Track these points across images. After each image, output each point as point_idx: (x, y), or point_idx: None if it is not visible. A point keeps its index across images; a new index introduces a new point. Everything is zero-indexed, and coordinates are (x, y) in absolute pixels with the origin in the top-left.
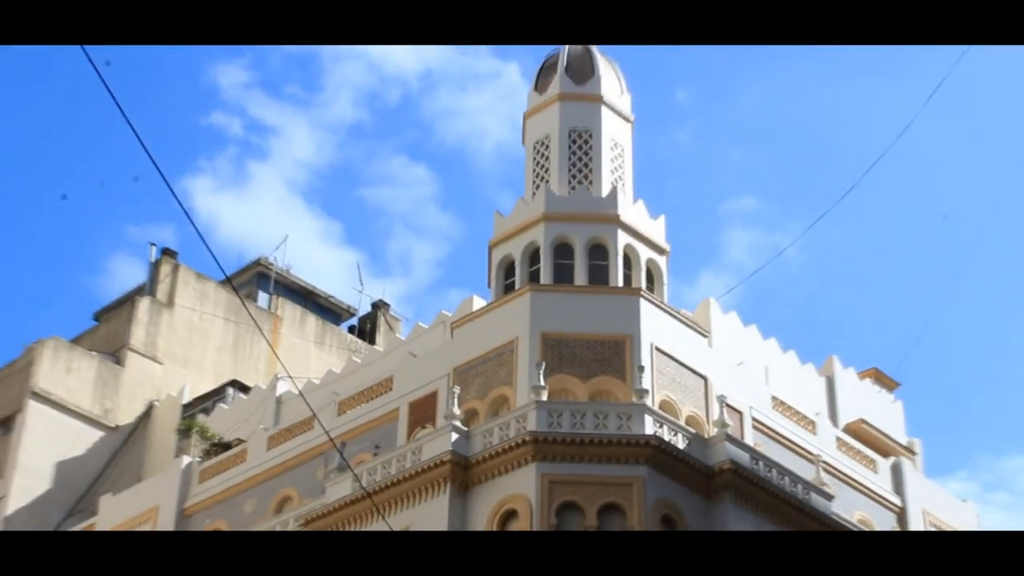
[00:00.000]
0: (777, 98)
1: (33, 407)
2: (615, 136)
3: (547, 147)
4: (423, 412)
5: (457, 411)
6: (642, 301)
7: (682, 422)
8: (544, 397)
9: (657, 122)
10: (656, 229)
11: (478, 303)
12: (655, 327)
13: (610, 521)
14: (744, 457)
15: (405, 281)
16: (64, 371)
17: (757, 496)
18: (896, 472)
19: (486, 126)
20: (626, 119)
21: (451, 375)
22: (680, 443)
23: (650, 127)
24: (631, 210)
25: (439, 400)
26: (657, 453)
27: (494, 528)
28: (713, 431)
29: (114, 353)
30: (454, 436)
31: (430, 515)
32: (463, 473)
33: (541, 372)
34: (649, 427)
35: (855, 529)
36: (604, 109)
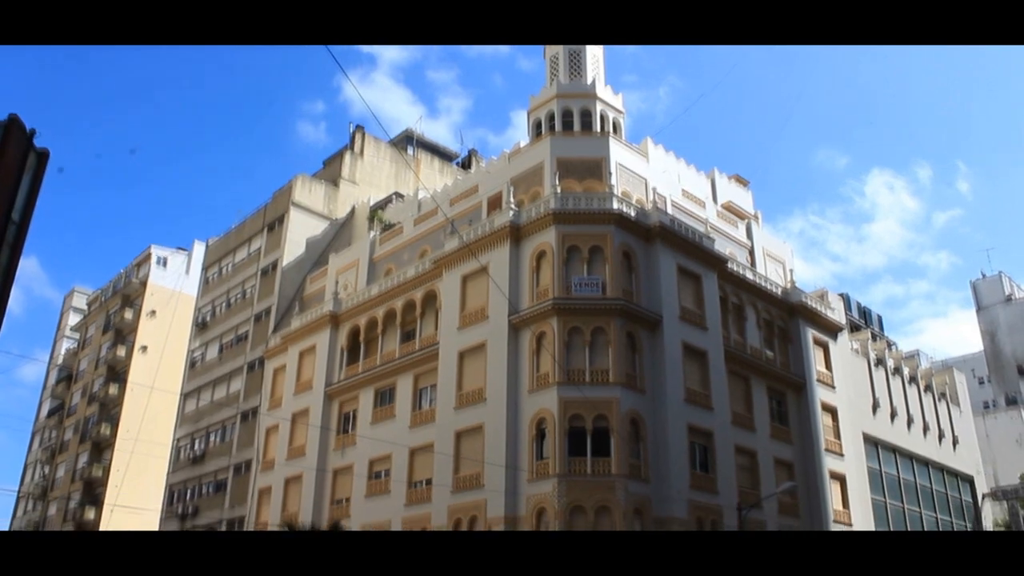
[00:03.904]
0: None
1: (293, 211)
2: (594, 50)
3: (557, 57)
4: (495, 203)
5: (512, 200)
6: (611, 139)
7: (633, 202)
8: (559, 191)
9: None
10: (618, 100)
11: (524, 143)
12: (618, 153)
13: (596, 256)
14: (667, 220)
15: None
16: (308, 191)
17: (674, 241)
18: (748, 228)
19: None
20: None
21: (509, 182)
22: (632, 213)
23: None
24: (604, 91)
25: (503, 195)
26: (619, 218)
27: (532, 262)
28: (650, 207)
29: (333, 180)
30: (511, 213)
31: (499, 257)
32: (516, 232)
33: (556, 178)
34: (615, 205)
35: (726, 258)
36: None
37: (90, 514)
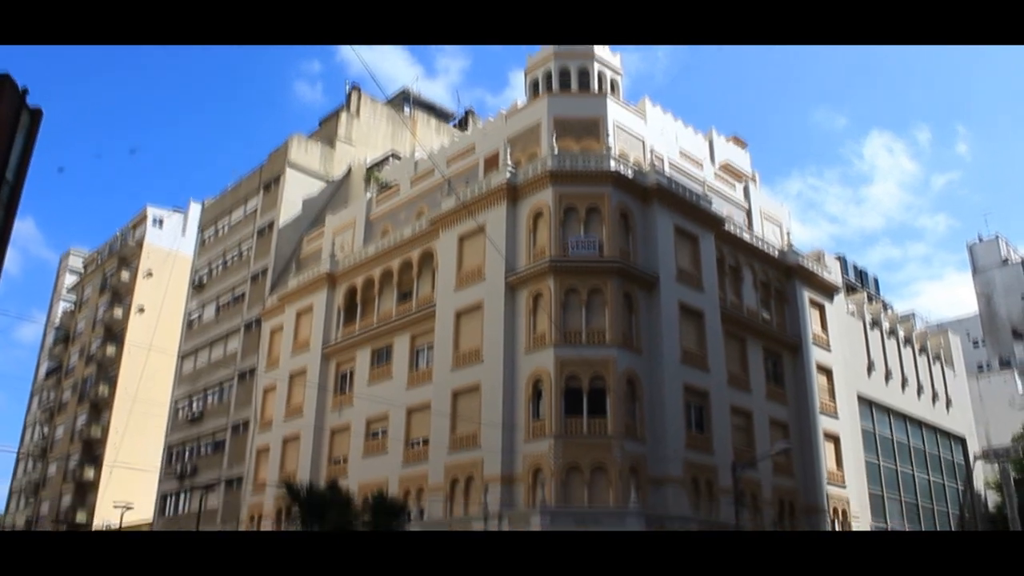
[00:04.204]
0: None
1: (289, 171)
2: None
3: None
4: (492, 162)
5: (509, 160)
6: (608, 99)
7: (630, 162)
8: (556, 151)
9: None
10: (615, 60)
11: (521, 103)
12: (615, 113)
13: (593, 216)
14: (665, 180)
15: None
16: (304, 151)
17: (671, 201)
18: (745, 189)
19: None
20: None
21: (506, 142)
22: (629, 173)
23: None
24: (601, 50)
25: (500, 155)
26: (617, 178)
27: (529, 222)
28: (647, 167)
29: (329, 140)
30: (508, 172)
31: (496, 217)
32: (513, 192)
33: (553, 138)
34: (612, 165)
35: (729, 223)
36: None
37: (89, 473)
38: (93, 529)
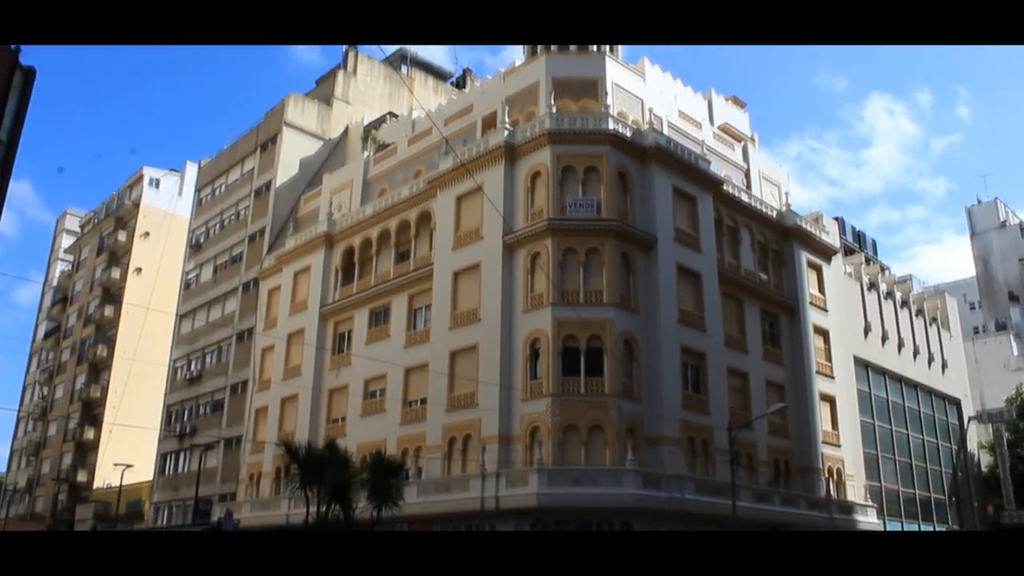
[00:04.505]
0: None
1: (286, 131)
2: None
3: None
4: (489, 122)
5: (507, 120)
6: (607, 59)
7: (629, 123)
8: (554, 110)
9: None
10: None
11: (519, 62)
12: (614, 72)
13: (591, 176)
14: (663, 140)
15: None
16: (301, 111)
17: (669, 162)
18: (744, 150)
19: None
20: None
21: (504, 101)
22: (628, 134)
23: None
24: None
25: (498, 115)
26: (615, 139)
27: (527, 183)
28: (646, 127)
29: (326, 100)
30: (506, 132)
31: (494, 177)
32: (511, 152)
33: (552, 98)
34: (611, 125)
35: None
36: None
37: (89, 433)
38: (94, 490)
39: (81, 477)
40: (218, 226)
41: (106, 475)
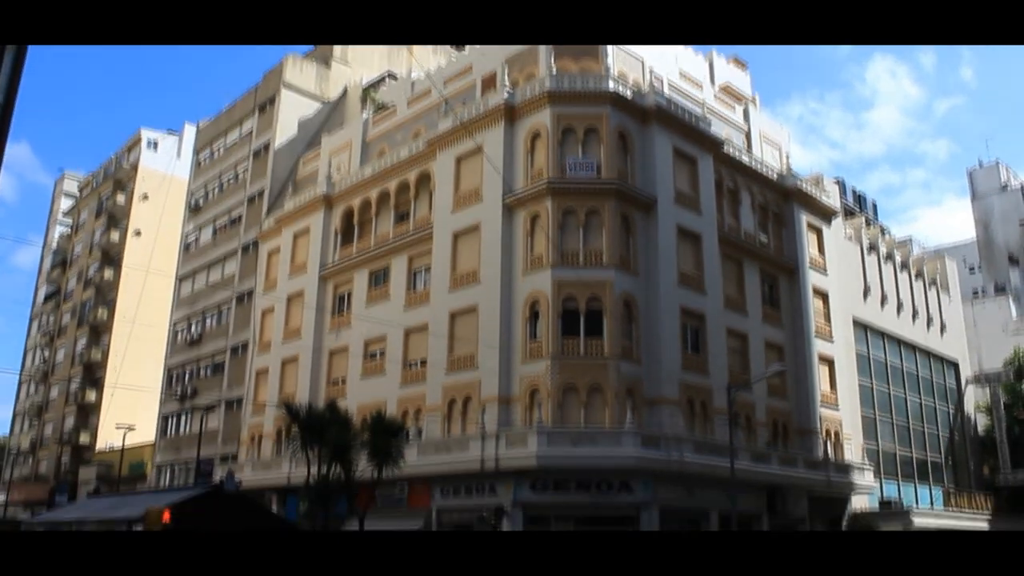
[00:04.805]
0: None
1: (285, 92)
2: None
3: None
4: (489, 83)
5: (507, 80)
6: None
7: (629, 83)
8: (554, 71)
9: None
10: None
11: None
12: None
13: (591, 137)
14: (663, 101)
15: None
16: (299, 72)
17: (670, 123)
18: (745, 111)
19: None
20: None
21: (504, 62)
22: (628, 94)
23: None
24: None
25: (498, 76)
26: (615, 99)
27: (527, 143)
28: (646, 88)
29: (324, 61)
30: (505, 93)
31: (494, 137)
32: (511, 113)
33: (552, 58)
34: (611, 85)
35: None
36: None
37: (91, 396)
38: (96, 451)
39: (83, 439)
40: (217, 188)
41: (108, 437)
